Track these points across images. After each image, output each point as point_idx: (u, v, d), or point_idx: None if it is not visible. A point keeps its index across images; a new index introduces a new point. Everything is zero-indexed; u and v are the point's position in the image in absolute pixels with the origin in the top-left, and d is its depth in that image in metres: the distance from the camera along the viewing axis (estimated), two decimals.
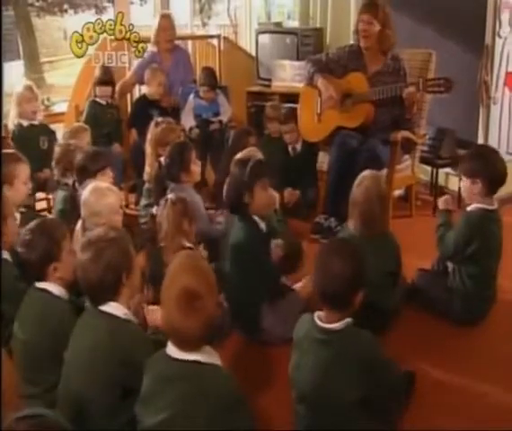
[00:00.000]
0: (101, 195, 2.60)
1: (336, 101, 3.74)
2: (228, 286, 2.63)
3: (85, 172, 3.01)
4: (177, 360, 1.59)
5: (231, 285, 2.64)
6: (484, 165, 2.60)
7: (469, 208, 2.68)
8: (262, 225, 2.71)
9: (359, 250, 1.92)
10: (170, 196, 2.68)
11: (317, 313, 1.88)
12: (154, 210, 2.75)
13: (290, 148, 4.20)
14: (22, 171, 2.89)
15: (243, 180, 2.64)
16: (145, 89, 4.58)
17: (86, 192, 2.63)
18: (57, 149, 3.37)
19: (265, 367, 2.47)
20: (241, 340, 2.66)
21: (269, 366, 2.47)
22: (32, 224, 2.18)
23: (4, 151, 3.04)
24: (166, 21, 4.62)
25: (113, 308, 1.85)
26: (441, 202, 2.85)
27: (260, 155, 3.26)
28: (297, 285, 2.82)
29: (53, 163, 3.34)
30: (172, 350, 1.61)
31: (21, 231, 2.22)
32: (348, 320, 1.83)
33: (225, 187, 2.75)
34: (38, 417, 1.24)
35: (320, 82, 3.80)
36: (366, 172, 2.70)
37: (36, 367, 2.04)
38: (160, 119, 3.76)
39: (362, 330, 1.84)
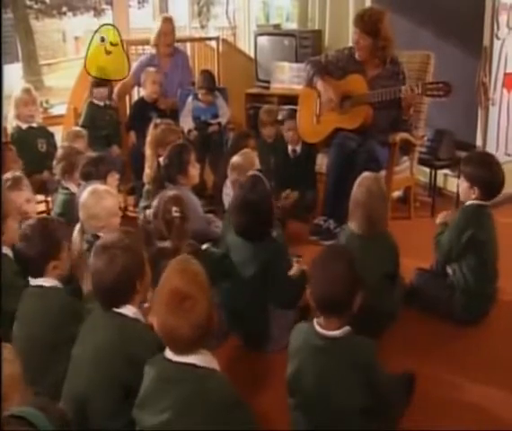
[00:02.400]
0: (99, 198, 2.59)
1: (335, 103, 3.74)
2: (233, 296, 2.62)
3: (93, 176, 3.01)
4: (175, 363, 1.60)
5: (238, 295, 2.61)
6: (484, 174, 2.66)
7: (465, 204, 2.75)
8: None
9: (352, 253, 1.93)
10: (174, 211, 2.60)
11: (316, 320, 1.87)
12: (147, 212, 2.71)
13: (290, 150, 4.19)
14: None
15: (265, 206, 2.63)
16: (142, 91, 4.59)
17: (84, 195, 2.63)
18: (59, 150, 3.37)
19: (262, 371, 2.46)
20: (238, 345, 2.64)
21: (266, 370, 2.46)
22: (33, 220, 2.20)
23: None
24: (168, 26, 4.62)
25: (123, 308, 1.87)
26: (439, 217, 2.90)
27: (256, 158, 3.27)
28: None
29: (54, 162, 3.34)
30: (169, 353, 1.62)
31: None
32: (347, 327, 1.84)
33: (246, 221, 2.61)
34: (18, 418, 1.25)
35: (319, 84, 3.81)
36: (366, 173, 2.70)
37: (39, 363, 2.04)
38: (159, 121, 3.76)
39: (362, 337, 1.85)
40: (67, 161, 3.25)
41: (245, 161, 3.19)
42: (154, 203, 2.66)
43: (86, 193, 2.63)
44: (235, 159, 3.23)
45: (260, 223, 2.55)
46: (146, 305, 2.12)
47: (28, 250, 2.11)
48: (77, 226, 2.66)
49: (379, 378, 1.83)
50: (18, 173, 3.00)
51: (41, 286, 2.13)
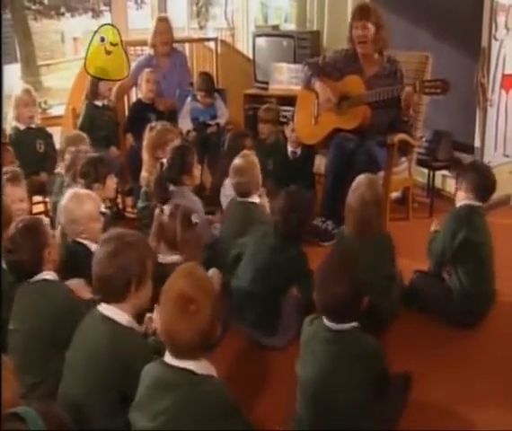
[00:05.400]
0: (79, 202, 2.59)
1: (334, 103, 3.75)
2: (244, 293, 2.63)
3: (92, 177, 3.01)
4: (172, 367, 1.59)
5: (249, 293, 2.63)
6: (472, 171, 2.76)
7: (457, 205, 2.78)
8: None
9: (356, 259, 1.96)
10: (194, 218, 2.54)
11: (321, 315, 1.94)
12: (164, 207, 2.56)
13: (290, 151, 4.19)
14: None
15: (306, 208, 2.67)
16: (139, 93, 4.59)
17: (65, 199, 2.63)
18: (67, 156, 3.36)
19: (263, 370, 2.46)
20: (238, 345, 2.63)
21: (267, 369, 2.46)
22: (13, 230, 2.20)
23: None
24: (163, 25, 4.62)
25: (116, 314, 1.86)
26: (434, 224, 2.93)
27: (255, 159, 3.26)
28: None
29: (61, 168, 3.32)
30: (168, 358, 1.62)
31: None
32: (354, 323, 1.90)
33: (285, 220, 2.61)
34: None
35: (317, 85, 3.82)
36: (362, 177, 2.71)
37: (40, 355, 2.07)
38: (154, 123, 3.75)
39: (367, 334, 1.91)
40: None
41: (246, 163, 3.19)
42: (171, 204, 2.58)
43: (66, 197, 2.63)
44: (237, 162, 3.22)
45: (300, 226, 2.61)
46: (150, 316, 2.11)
47: (22, 253, 2.12)
48: (59, 229, 2.66)
49: (385, 366, 1.94)
50: (17, 168, 2.99)
51: (42, 280, 2.15)
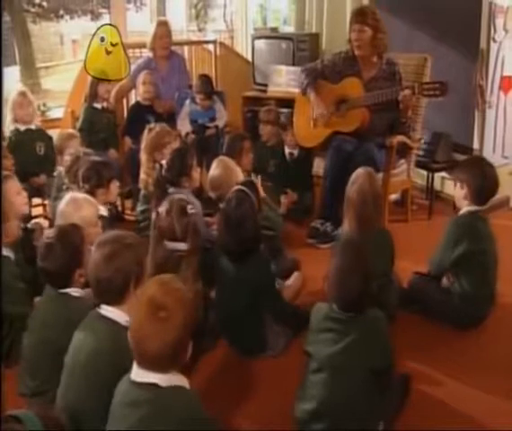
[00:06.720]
0: (77, 207, 2.58)
1: (328, 117, 3.76)
2: (227, 306, 2.59)
3: (97, 182, 3.00)
4: (137, 384, 1.54)
5: (234, 309, 2.55)
6: (472, 172, 2.69)
7: (459, 213, 2.76)
8: None
9: (366, 251, 2.02)
10: (189, 208, 2.53)
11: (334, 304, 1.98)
12: (160, 210, 2.54)
13: (288, 153, 4.20)
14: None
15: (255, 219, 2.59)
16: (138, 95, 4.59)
17: (62, 203, 2.62)
18: (66, 158, 3.35)
19: (252, 377, 2.44)
20: (229, 350, 2.61)
21: (256, 376, 2.44)
22: (51, 233, 2.18)
23: None
24: (163, 29, 4.63)
25: (115, 314, 1.86)
26: None
27: (230, 163, 3.29)
28: (287, 283, 2.90)
29: (61, 170, 3.31)
30: (134, 373, 1.57)
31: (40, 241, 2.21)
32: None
33: (230, 241, 2.53)
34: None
35: (312, 97, 3.84)
36: (360, 170, 2.73)
37: (47, 363, 2.07)
38: (152, 125, 3.75)
39: (375, 312, 2.00)
40: (76, 168, 3.22)
41: (220, 174, 3.21)
42: (166, 203, 2.57)
43: (65, 201, 2.62)
44: (211, 174, 3.24)
45: (243, 243, 2.50)
46: None
47: (51, 265, 2.10)
48: None
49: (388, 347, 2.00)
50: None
51: (66, 294, 2.13)
